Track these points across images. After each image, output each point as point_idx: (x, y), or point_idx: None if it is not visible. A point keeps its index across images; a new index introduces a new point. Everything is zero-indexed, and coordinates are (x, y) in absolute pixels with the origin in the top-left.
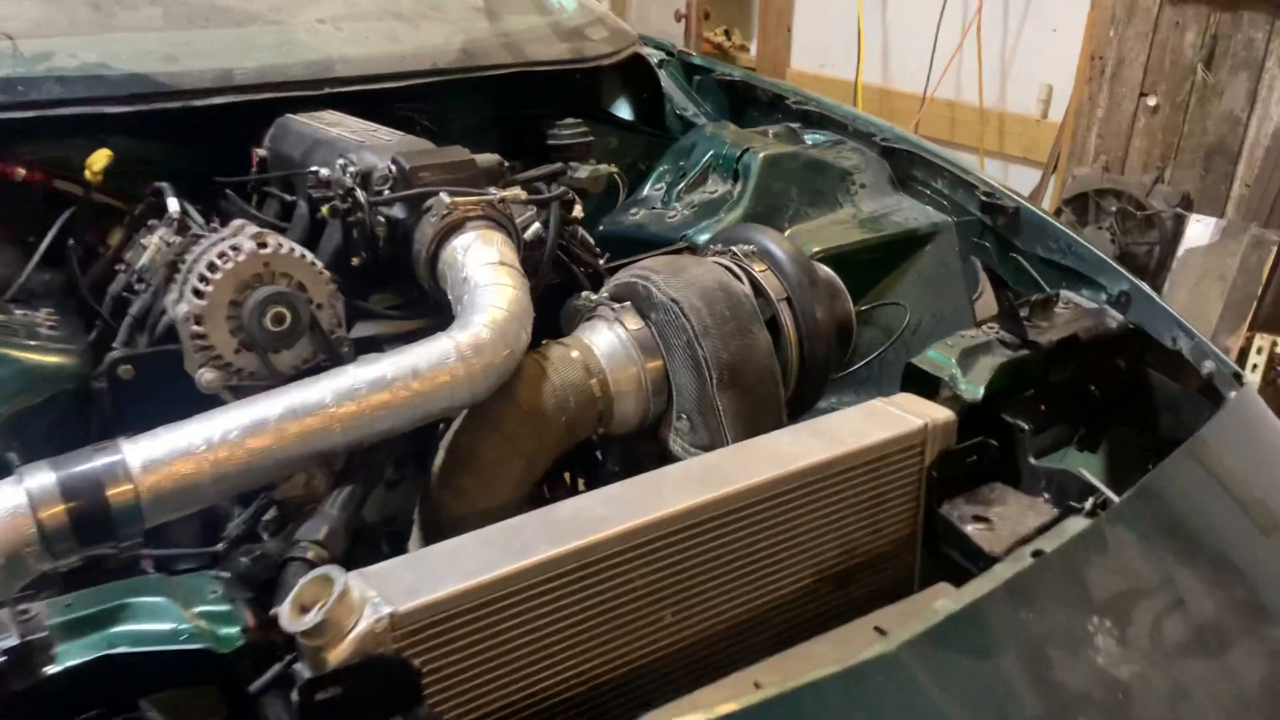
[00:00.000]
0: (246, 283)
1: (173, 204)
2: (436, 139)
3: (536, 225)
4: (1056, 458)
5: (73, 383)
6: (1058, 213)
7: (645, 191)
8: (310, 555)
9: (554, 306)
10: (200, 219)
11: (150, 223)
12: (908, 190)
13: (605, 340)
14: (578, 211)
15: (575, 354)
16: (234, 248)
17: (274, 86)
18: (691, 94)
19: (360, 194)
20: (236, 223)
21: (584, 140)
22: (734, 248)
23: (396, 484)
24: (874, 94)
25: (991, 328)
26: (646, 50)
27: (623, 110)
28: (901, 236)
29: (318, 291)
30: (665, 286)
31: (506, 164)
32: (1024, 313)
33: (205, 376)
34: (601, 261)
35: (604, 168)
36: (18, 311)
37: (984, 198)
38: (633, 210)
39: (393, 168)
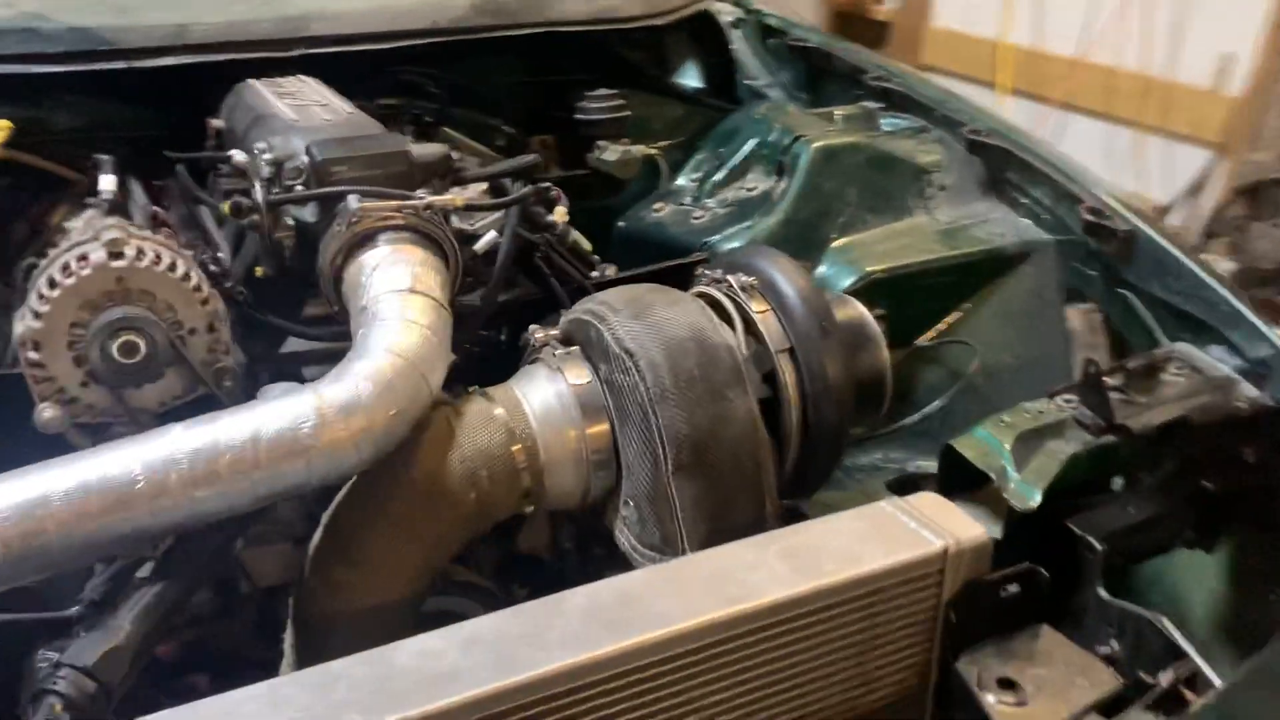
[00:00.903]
0: (93, 302)
1: (106, 181)
2: (443, 112)
3: (492, 234)
4: (1154, 566)
5: None
6: (1226, 205)
7: (679, 181)
8: (65, 689)
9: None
10: (144, 199)
11: (88, 200)
12: (1002, 197)
13: (541, 394)
14: (561, 213)
15: (498, 411)
16: (81, 257)
17: (234, 46)
18: (767, 61)
19: (258, 190)
20: (106, 221)
21: (616, 115)
22: (731, 277)
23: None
24: (1020, 56)
25: (1069, 400)
26: (720, 7)
27: (691, 78)
28: (983, 256)
29: (190, 315)
30: (620, 331)
31: (458, 155)
32: (1117, 380)
33: (44, 414)
34: (597, 274)
35: (637, 150)
36: None
37: (1088, 215)
38: (656, 205)
39: (305, 159)
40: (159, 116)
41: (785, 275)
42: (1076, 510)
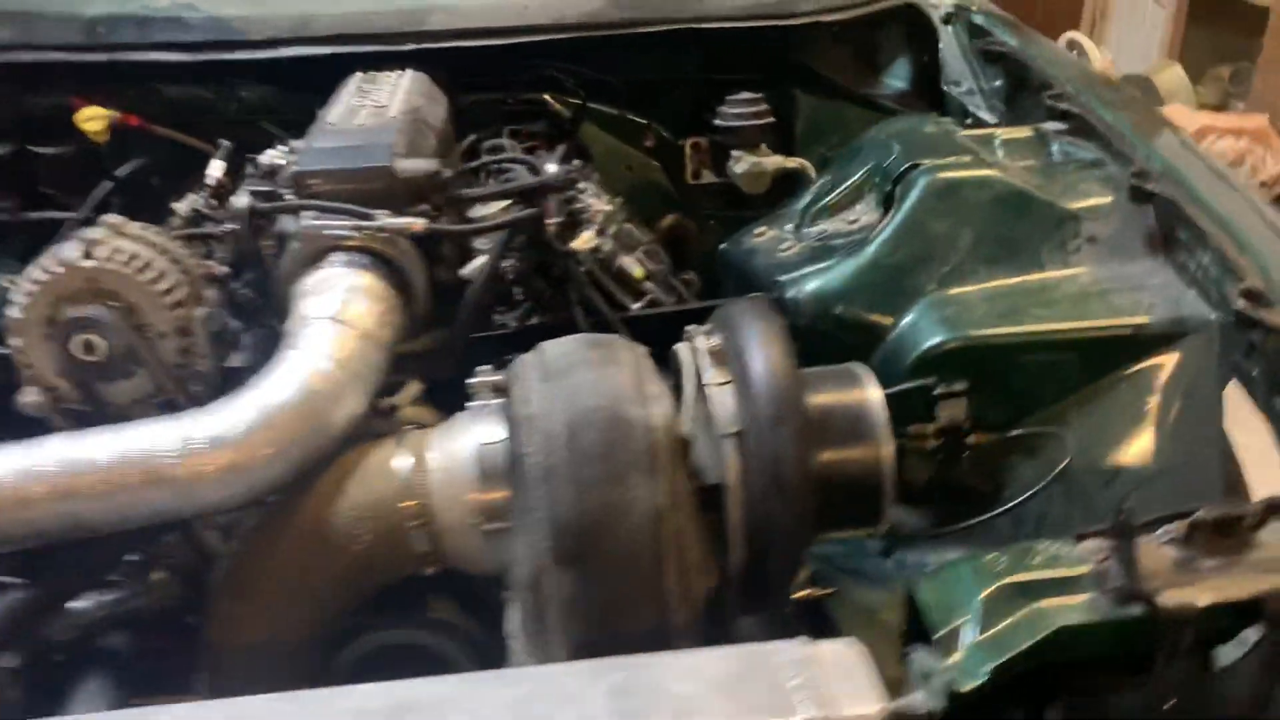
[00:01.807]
0: (65, 298)
1: (214, 167)
2: (582, 110)
3: (483, 259)
4: None
5: None
6: None
7: (800, 203)
8: None
9: None
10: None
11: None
12: (1171, 258)
13: (451, 448)
14: (585, 239)
15: (398, 462)
16: (60, 256)
17: (349, 39)
18: (975, 66)
19: (234, 200)
20: (109, 217)
21: (753, 123)
22: (704, 338)
23: None
24: None
25: (1100, 548)
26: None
27: (887, 80)
28: (1118, 332)
29: (158, 318)
30: (529, 391)
31: (449, 173)
32: (1177, 532)
33: (25, 398)
34: (638, 305)
35: (770, 162)
36: None
37: (1242, 301)
38: (760, 229)
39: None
40: (286, 105)
41: (762, 341)
42: (1077, 692)
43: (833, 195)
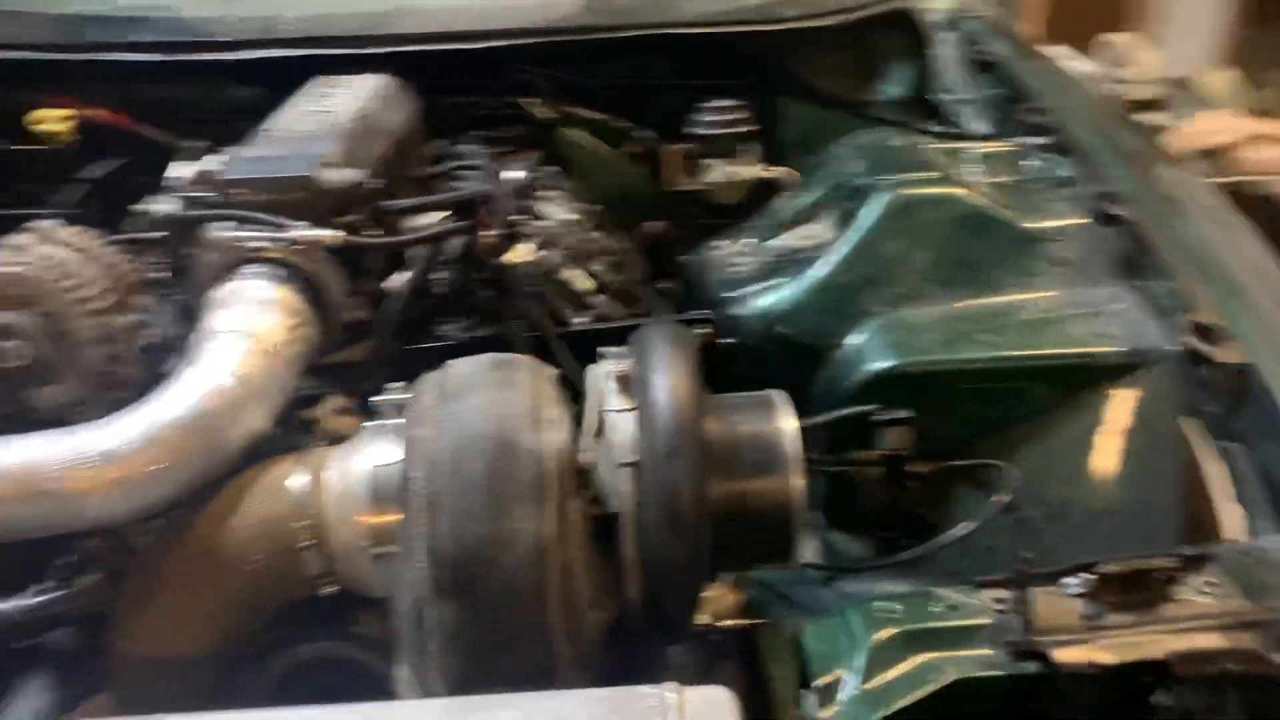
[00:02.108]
0: None
1: (173, 169)
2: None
3: (408, 274)
4: None
5: None
6: None
7: (768, 215)
8: None
9: None
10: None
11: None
12: (1138, 284)
13: (348, 467)
14: (521, 251)
15: (294, 480)
16: None
17: (315, 41)
18: (970, 73)
19: (156, 206)
20: (43, 224)
21: (730, 131)
22: (615, 362)
23: None
24: None
25: (1003, 599)
26: (938, 5)
27: (896, 86)
28: (1071, 361)
29: (79, 325)
30: (424, 412)
31: (374, 184)
32: (1083, 586)
33: None
34: (581, 320)
35: (746, 171)
36: None
37: (1190, 335)
38: (718, 244)
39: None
40: (266, 105)
41: (662, 368)
42: None
43: (792, 209)
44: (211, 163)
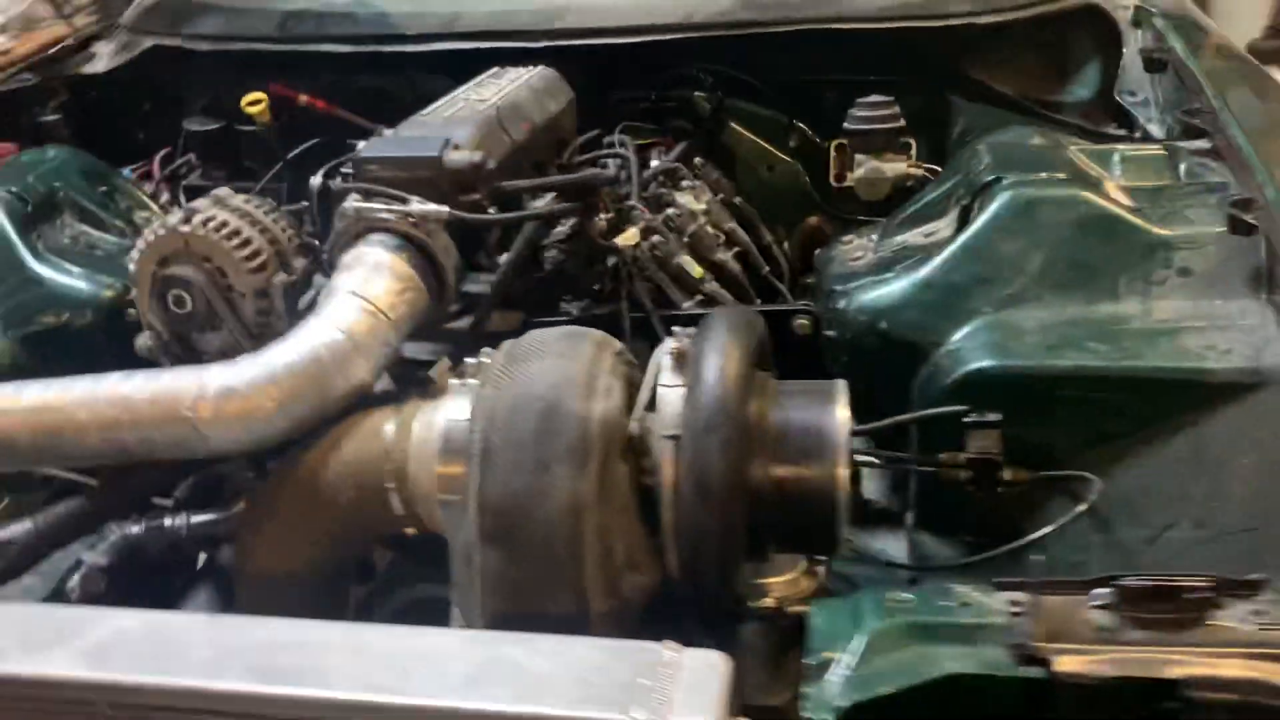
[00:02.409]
0: (166, 258)
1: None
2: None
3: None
4: None
5: (94, 313)
6: None
7: (897, 212)
8: None
9: None
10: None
11: None
12: (1276, 298)
13: (434, 419)
14: (629, 235)
15: (388, 428)
16: (165, 222)
17: (492, 35)
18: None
19: (312, 180)
20: (219, 191)
21: (881, 127)
22: (678, 340)
23: None
24: None
25: (1021, 602)
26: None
27: (1084, 86)
28: (1180, 376)
29: (240, 281)
30: (493, 374)
31: (491, 164)
32: (1109, 597)
33: (140, 340)
34: (690, 303)
35: (890, 168)
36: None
37: None
38: (848, 237)
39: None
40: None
41: (717, 348)
42: None
43: (918, 205)
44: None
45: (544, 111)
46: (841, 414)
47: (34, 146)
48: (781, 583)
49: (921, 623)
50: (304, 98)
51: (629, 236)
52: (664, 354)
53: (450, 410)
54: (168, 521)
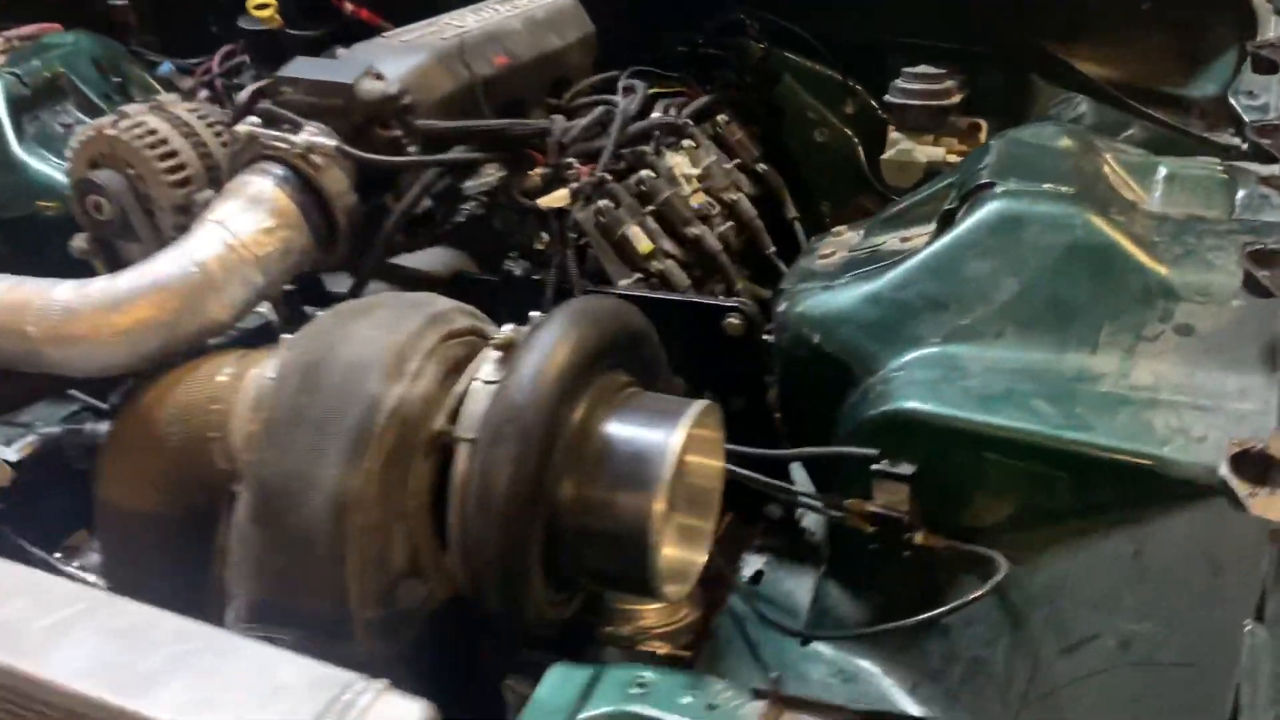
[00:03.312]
0: (94, 160)
1: None
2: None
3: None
4: None
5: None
6: None
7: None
8: None
9: None
10: None
11: None
12: None
13: (260, 371)
14: (555, 196)
15: (225, 375)
16: (95, 121)
17: None
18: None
19: (242, 96)
20: (161, 96)
21: (926, 103)
22: (522, 327)
23: None
24: None
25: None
26: None
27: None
28: (1135, 467)
29: (159, 193)
30: (309, 330)
31: (409, 98)
32: None
33: (74, 242)
34: (627, 282)
35: (921, 152)
36: None
37: None
38: (836, 230)
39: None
40: None
41: (544, 342)
42: None
43: (910, 203)
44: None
45: (537, 46)
46: (674, 440)
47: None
48: (652, 612)
49: (645, 716)
50: (349, 6)
51: (556, 198)
52: (492, 344)
53: (270, 365)
54: (87, 427)
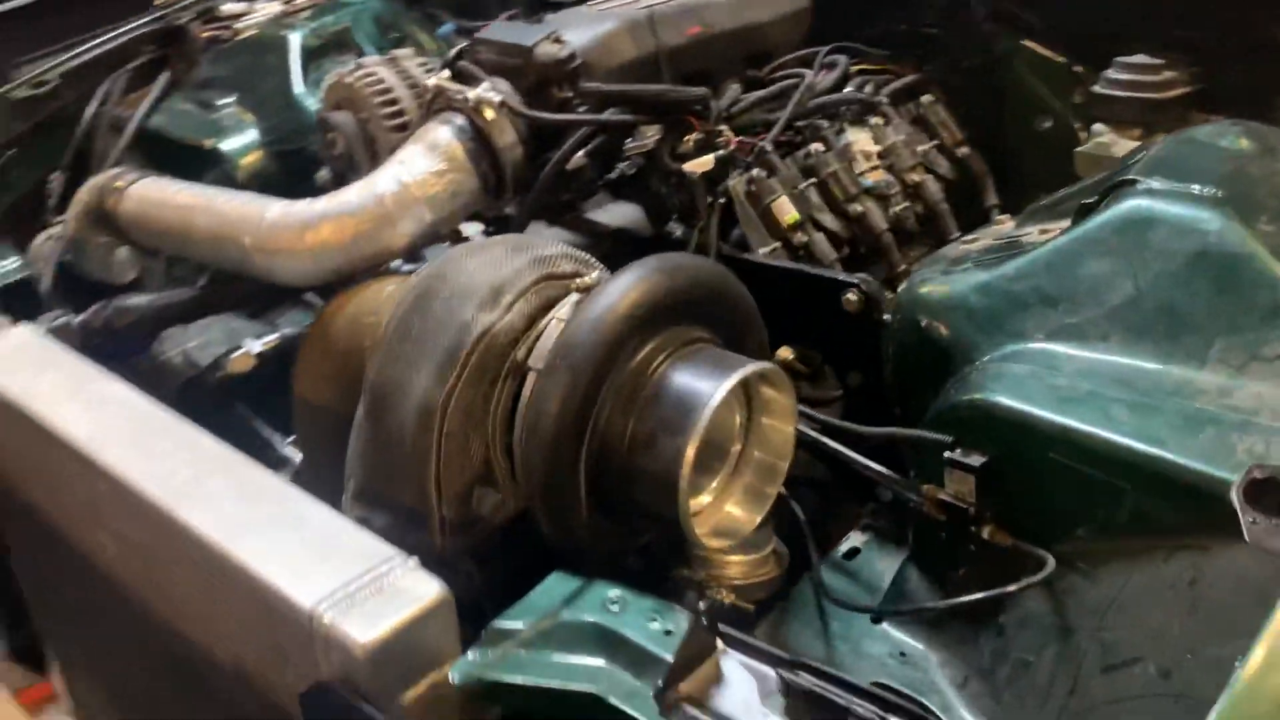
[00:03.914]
0: (337, 102)
1: None
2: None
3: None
4: None
5: None
6: None
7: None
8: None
9: None
10: None
11: None
12: None
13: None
14: (700, 163)
15: (387, 291)
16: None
17: None
18: None
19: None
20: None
21: (1135, 95)
22: (594, 272)
23: None
24: None
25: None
26: None
27: None
28: (1189, 480)
29: (381, 134)
30: (437, 261)
31: (576, 62)
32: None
33: (319, 173)
34: (766, 250)
35: (1119, 147)
36: None
37: None
38: (1002, 217)
39: None
40: None
41: (615, 287)
42: None
43: (1063, 195)
44: None
45: (737, 19)
46: (718, 392)
47: None
48: (734, 563)
49: (610, 631)
50: None
51: (701, 163)
52: (574, 287)
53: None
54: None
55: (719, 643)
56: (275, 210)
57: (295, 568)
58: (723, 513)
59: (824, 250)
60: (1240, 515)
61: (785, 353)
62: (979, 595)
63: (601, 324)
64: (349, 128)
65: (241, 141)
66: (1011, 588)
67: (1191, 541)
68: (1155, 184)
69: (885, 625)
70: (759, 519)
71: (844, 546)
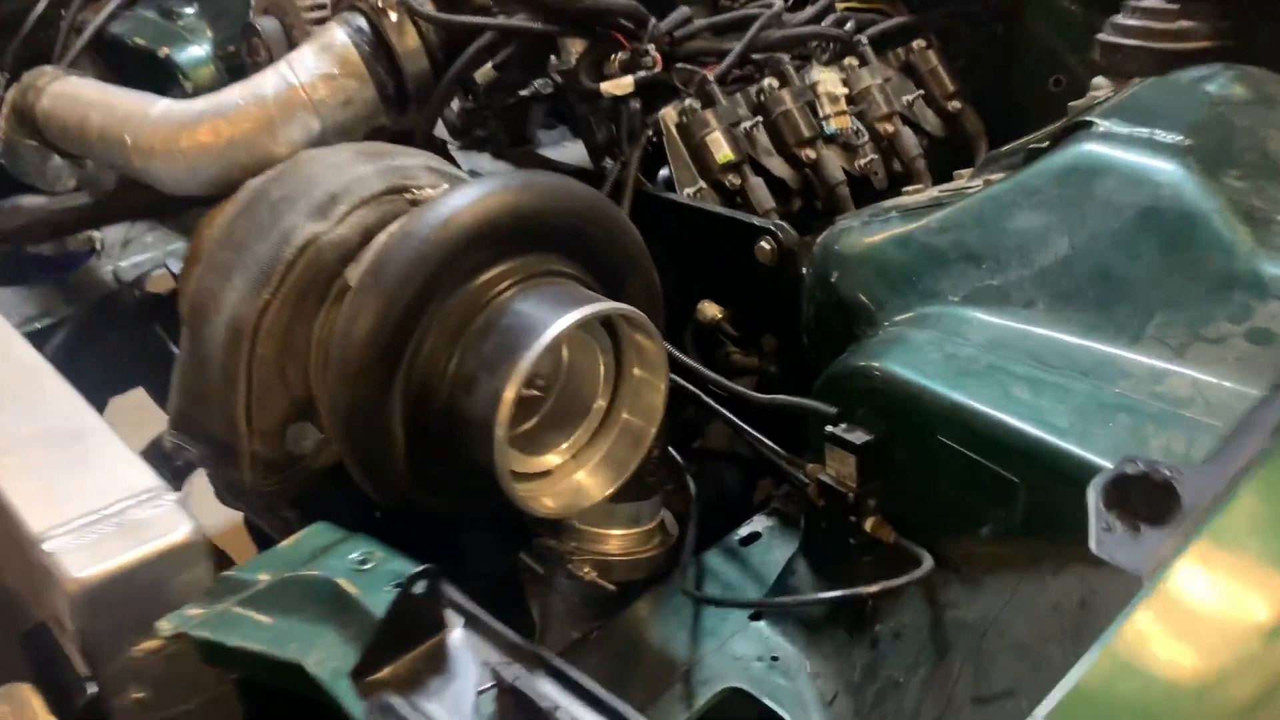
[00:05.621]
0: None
1: None
2: None
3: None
4: None
5: None
6: None
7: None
8: None
9: None
10: None
11: None
12: None
13: None
14: (617, 84)
15: None
16: None
17: None
18: None
19: None
20: None
21: (1141, 44)
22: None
23: None
24: None
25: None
26: None
27: None
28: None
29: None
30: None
31: None
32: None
33: None
34: (690, 191)
35: None
36: None
37: None
38: (963, 170)
39: None
40: None
41: (441, 203)
42: None
43: (1022, 141)
44: None
45: None
46: (547, 333)
47: None
48: (614, 538)
49: (345, 593)
50: None
51: (620, 85)
52: (409, 199)
53: None
54: None
55: (450, 619)
56: (159, 108)
57: (43, 490)
58: (571, 479)
59: (760, 196)
60: (1091, 518)
61: (712, 309)
62: (832, 594)
63: (425, 242)
64: (273, 34)
65: (199, 52)
66: (873, 588)
67: (1086, 552)
68: (1112, 126)
69: (763, 624)
70: (610, 490)
71: (743, 531)
